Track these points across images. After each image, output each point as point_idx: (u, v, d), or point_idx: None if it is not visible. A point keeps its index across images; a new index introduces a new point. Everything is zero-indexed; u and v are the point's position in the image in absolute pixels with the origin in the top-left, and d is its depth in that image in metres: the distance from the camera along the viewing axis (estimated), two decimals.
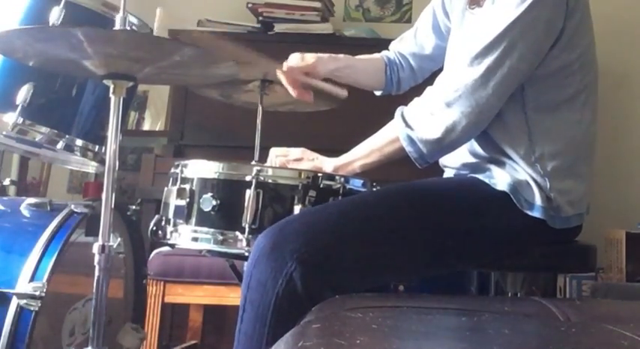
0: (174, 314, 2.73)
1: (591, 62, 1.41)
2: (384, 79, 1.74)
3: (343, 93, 1.60)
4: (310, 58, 1.59)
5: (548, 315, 0.95)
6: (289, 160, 1.50)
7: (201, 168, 1.40)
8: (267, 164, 1.50)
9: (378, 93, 1.79)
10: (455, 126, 1.31)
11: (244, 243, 1.32)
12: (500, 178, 1.36)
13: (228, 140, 2.73)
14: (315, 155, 1.50)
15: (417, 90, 1.49)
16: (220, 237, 1.36)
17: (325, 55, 1.62)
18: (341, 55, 1.65)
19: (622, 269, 2.66)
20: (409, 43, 1.74)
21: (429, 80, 1.50)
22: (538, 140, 1.36)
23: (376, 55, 1.77)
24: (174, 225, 1.40)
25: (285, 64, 1.58)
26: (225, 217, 1.35)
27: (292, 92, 1.59)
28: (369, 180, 1.44)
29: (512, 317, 0.96)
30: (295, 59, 1.59)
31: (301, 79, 1.58)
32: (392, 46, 1.79)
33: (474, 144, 1.40)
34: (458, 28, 1.52)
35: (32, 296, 1.43)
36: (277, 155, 1.52)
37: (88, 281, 1.39)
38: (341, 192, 1.36)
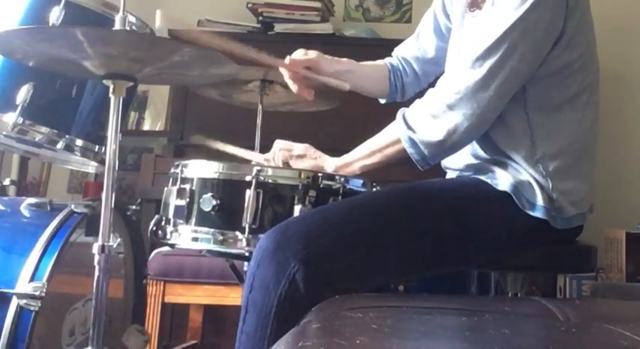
0: (174, 314, 2.73)
1: (592, 62, 1.41)
2: (388, 85, 1.73)
3: (345, 85, 1.59)
4: (314, 54, 1.58)
5: (548, 315, 0.95)
6: (292, 155, 1.50)
7: (201, 168, 1.40)
8: (270, 155, 1.50)
9: (382, 101, 1.78)
10: (457, 128, 1.31)
11: (244, 243, 1.32)
12: (502, 179, 1.35)
13: (228, 140, 2.73)
14: (319, 153, 1.49)
15: (420, 91, 1.49)
16: (220, 237, 1.36)
17: (329, 57, 1.61)
18: (344, 59, 1.64)
19: (622, 269, 2.65)
20: (412, 48, 1.73)
21: (433, 84, 1.49)
22: (540, 140, 1.36)
23: (379, 62, 1.76)
24: (174, 225, 1.40)
25: (288, 57, 1.57)
26: (225, 217, 1.35)
27: (292, 87, 1.58)
28: (369, 181, 1.44)
29: (512, 317, 0.96)
30: (299, 54, 1.59)
31: (302, 72, 1.57)
32: (395, 52, 1.78)
33: (475, 146, 1.40)
34: (458, 30, 1.52)
35: (32, 296, 1.43)
36: (281, 148, 1.51)
37: (88, 281, 1.39)
38: (341, 192, 1.36)
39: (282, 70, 1.58)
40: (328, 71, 1.59)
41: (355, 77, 1.64)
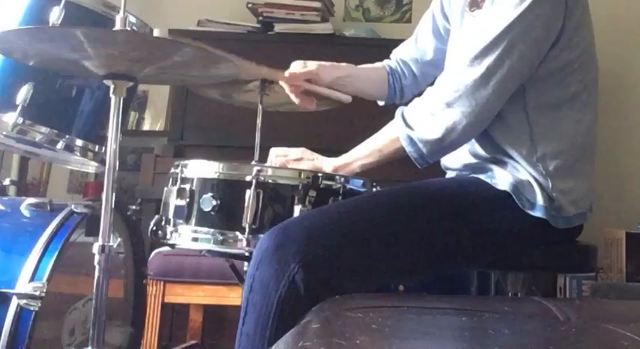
0: (175, 314, 2.73)
1: (591, 61, 1.42)
2: (387, 87, 1.73)
3: (347, 98, 1.60)
4: (313, 65, 1.59)
5: (548, 315, 0.95)
6: (289, 160, 1.50)
7: (201, 168, 1.40)
8: (267, 164, 1.50)
9: (381, 103, 1.78)
10: (455, 126, 1.31)
11: (244, 243, 1.32)
12: (501, 178, 1.36)
13: (228, 140, 2.73)
14: (315, 155, 1.50)
15: (419, 93, 1.49)
16: (220, 237, 1.36)
17: (327, 63, 1.62)
18: (343, 64, 1.65)
19: (622, 269, 2.65)
20: (411, 49, 1.74)
21: (432, 84, 1.49)
22: (540, 140, 1.36)
23: (378, 64, 1.76)
24: (174, 225, 1.40)
25: (287, 72, 1.58)
26: (225, 217, 1.35)
27: (295, 100, 1.60)
28: (369, 180, 1.44)
29: (512, 317, 0.96)
30: (297, 66, 1.59)
31: (304, 85, 1.58)
32: (393, 54, 1.78)
33: (475, 145, 1.40)
34: (457, 30, 1.52)
35: (32, 296, 1.43)
36: (277, 155, 1.52)
37: (88, 281, 1.39)
38: (341, 192, 1.36)
39: (283, 84, 1.59)
40: (328, 80, 1.60)
41: (355, 81, 1.65)
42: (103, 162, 1.53)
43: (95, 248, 1.33)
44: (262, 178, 1.34)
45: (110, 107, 1.36)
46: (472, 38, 1.35)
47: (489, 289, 1.58)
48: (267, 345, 1.13)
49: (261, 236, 1.27)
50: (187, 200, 1.38)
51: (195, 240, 1.38)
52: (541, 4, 1.29)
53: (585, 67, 1.39)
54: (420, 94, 1.44)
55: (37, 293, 1.43)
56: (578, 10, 1.34)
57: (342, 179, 1.38)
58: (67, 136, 1.66)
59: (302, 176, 1.36)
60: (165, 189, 1.44)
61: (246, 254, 1.33)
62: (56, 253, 1.50)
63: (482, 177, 1.39)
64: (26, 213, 1.67)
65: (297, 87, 1.59)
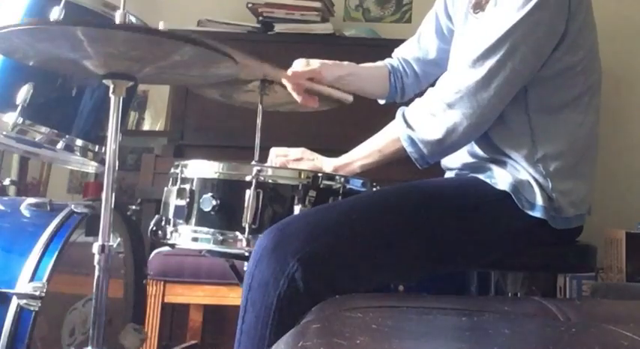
0: (175, 314, 2.73)
1: (595, 63, 1.41)
2: (389, 86, 1.73)
3: (348, 98, 1.61)
4: (315, 63, 1.59)
5: (548, 315, 0.95)
6: (289, 160, 1.50)
7: (201, 168, 1.40)
8: (268, 164, 1.50)
9: (382, 101, 1.78)
10: (456, 127, 1.31)
11: (244, 243, 1.32)
12: (501, 178, 1.36)
13: (228, 140, 2.74)
14: (315, 155, 1.50)
15: (420, 92, 1.49)
16: (220, 237, 1.36)
17: (330, 62, 1.62)
18: (345, 63, 1.65)
19: (622, 269, 2.66)
20: (413, 49, 1.74)
21: (433, 84, 1.49)
22: (541, 141, 1.36)
23: (379, 63, 1.76)
24: (174, 225, 1.40)
25: (290, 70, 1.58)
26: (225, 217, 1.35)
27: (297, 98, 1.60)
28: (369, 180, 1.44)
29: (512, 317, 0.96)
30: (300, 64, 1.59)
31: (306, 84, 1.58)
32: (395, 53, 1.78)
33: (474, 146, 1.40)
34: (460, 31, 1.52)
35: (32, 296, 1.43)
36: (277, 155, 1.52)
37: (88, 281, 1.39)
38: (341, 192, 1.36)
39: (285, 82, 1.59)
40: (330, 79, 1.60)
41: (356, 80, 1.65)
42: (103, 162, 1.53)
43: (95, 248, 1.33)
44: (262, 178, 1.34)
45: (110, 107, 1.36)
46: (474, 40, 1.35)
47: (489, 289, 1.58)
48: (267, 344, 1.13)
49: (260, 235, 1.27)
50: (187, 200, 1.38)
51: (195, 240, 1.38)
52: (544, 7, 1.29)
53: (588, 70, 1.39)
54: (421, 94, 1.43)
55: (37, 293, 1.43)
56: (581, 13, 1.34)
57: (342, 179, 1.38)
58: (67, 136, 1.66)
59: (302, 176, 1.36)
60: (166, 189, 1.44)
61: (246, 254, 1.33)
62: (56, 253, 1.50)
63: (481, 176, 1.39)
64: (26, 213, 1.67)
65: (299, 86, 1.59)
